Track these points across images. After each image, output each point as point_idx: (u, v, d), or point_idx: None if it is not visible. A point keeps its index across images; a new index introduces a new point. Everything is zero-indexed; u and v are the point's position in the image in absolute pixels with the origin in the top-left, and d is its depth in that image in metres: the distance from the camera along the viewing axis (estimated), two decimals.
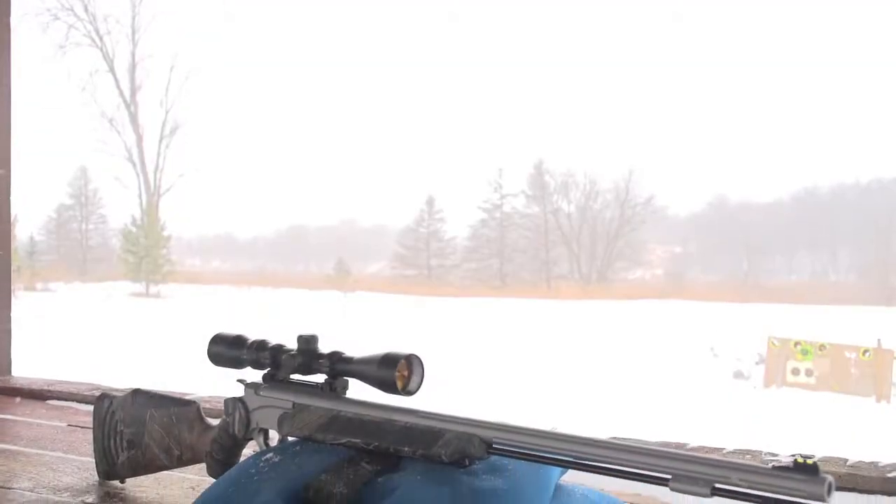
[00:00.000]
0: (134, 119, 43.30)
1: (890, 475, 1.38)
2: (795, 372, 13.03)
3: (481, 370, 13.20)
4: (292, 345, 1.17)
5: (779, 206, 47.00)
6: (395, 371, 1.05)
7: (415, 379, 1.07)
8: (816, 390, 12.51)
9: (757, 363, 15.07)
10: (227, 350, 1.21)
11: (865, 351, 12.59)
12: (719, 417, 9.38)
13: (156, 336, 16.60)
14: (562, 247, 44.84)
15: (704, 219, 48.52)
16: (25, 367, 2.46)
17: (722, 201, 49.01)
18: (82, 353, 12.58)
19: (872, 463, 1.45)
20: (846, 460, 1.46)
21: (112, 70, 41.73)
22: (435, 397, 1.19)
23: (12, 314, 2.46)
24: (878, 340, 12.66)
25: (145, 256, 34.59)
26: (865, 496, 1.38)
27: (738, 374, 14.59)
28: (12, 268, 2.50)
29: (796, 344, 13.14)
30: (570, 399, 10.42)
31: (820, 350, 12.95)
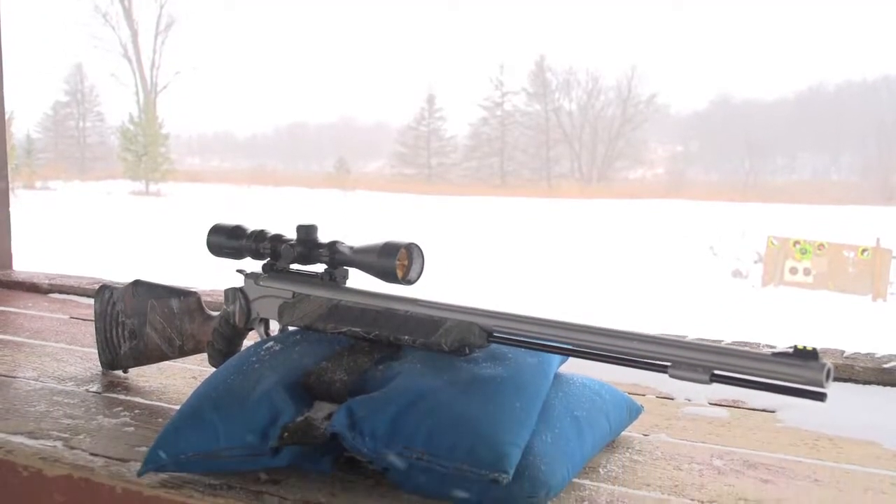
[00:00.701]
0: (128, 14, 42.55)
1: (886, 366, 1.39)
2: (793, 271, 13.08)
3: (481, 264, 13.27)
4: (292, 235, 1.16)
5: (783, 105, 46.56)
6: (395, 260, 1.04)
7: (415, 268, 1.07)
8: (814, 289, 12.59)
9: (755, 262, 15.13)
10: (226, 240, 1.20)
11: (864, 250, 12.61)
12: (717, 315, 9.47)
13: (156, 233, 16.63)
14: (563, 145, 44.58)
15: (707, 117, 48.14)
16: (26, 264, 2.46)
17: (725, 99, 48.55)
18: (83, 250, 12.62)
19: (869, 354, 1.46)
20: (843, 352, 1.47)
21: None
22: (435, 288, 1.19)
23: (11, 210, 2.45)
24: (877, 239, 12.68)
25: (144, 154, 34.40)
26: (861, 386, 1.39)
27: (737, 273, 14.66)
28: (10, 166, 2.48)
29: (795, 243, 13.15)
30: (569, 295, 10.50)
31: (819, 249, 12.98)
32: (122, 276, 1.76)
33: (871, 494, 0.97)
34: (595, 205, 31.20)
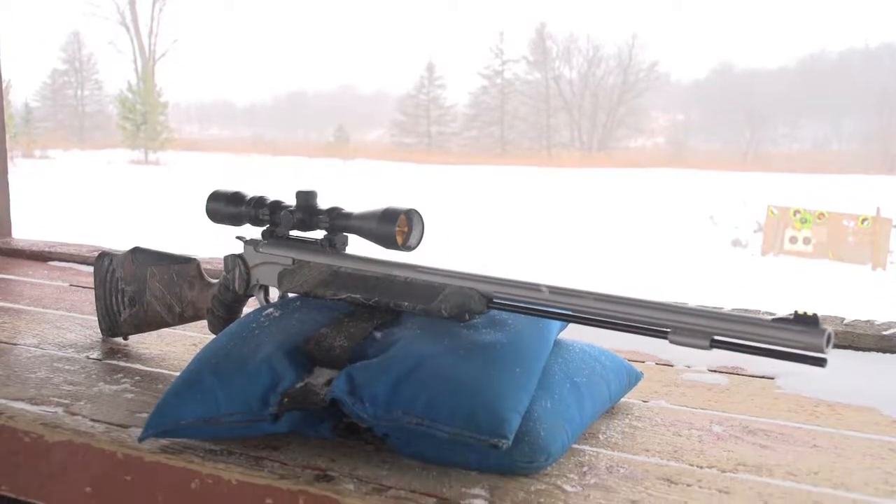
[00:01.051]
0: None
1: (885, 333, 1.40)
2: (793, 240, 13.06)
3: (481, 232, 13.26)
4: (291, 202, 1.16)
5: (784, 73, 46.35)
6: (395, 226, 1.03)
7: (415, 234, 1.06)
8: (813, 258, 12.58)
9: (755, 231, 15.12)
10: (224, 206, 1.19)
11: (864, 219, 12.58)
12: (717, 283, 9.48)
13: (156, 202, 16.61)
14: (563, 114, 44.39)
15: (708, 86, 47.94)
16: (26, 233, 2.46)
17: (726, 68, 48.35)
18: (83, 219, 12.61)
19: (868, 321, 1.46)
20: (843, 319, 1.47)
21: None
22: (435, 255, 1.19)
23: (10, 178, 2.44)
24: (877, 209, 12.65)
25: (143, 123, 34.26)
26: (861, 353, 1.40)
27: (737, 242, 14.65)
28: (9, 134, 2.47)
29: (795, 212, 13.12)
30: (569, 262, 10.50)
31: (818, 218, 12.95)
32: (121, 244, 1.76)
33: (869, 460, 0.97)
34: (595, 174, 31.11)
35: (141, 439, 0.97)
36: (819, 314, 0.82)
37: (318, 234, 1.15)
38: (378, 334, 1.02)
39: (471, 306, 0.98)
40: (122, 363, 1.30)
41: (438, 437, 0.88)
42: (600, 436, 1.03)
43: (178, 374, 1.04)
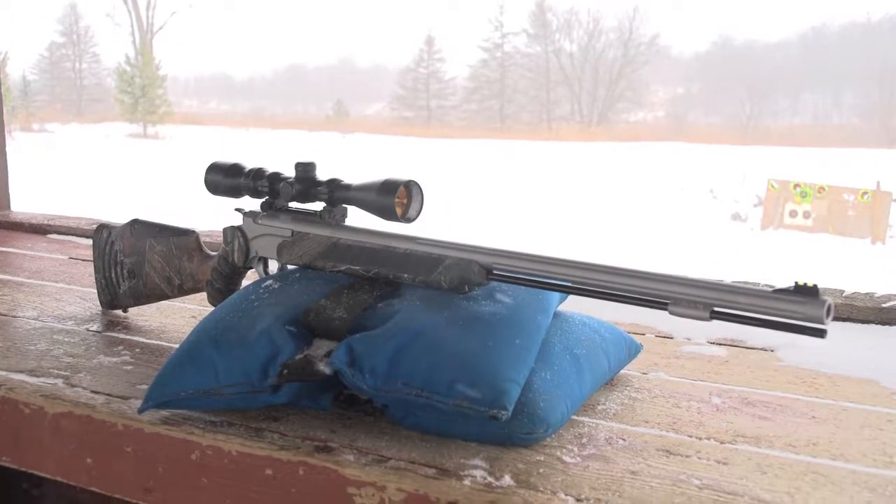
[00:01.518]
0: None
1: (885, 305, 1.40)
2: (793, 214, 13.03)
3: (481, 205, 13.23)
4: (290, 174, 1.15)
5: (785, 46, 46.12)
6: (395, 198, 1.03)
7: (414, 206, 1.06)
8: (813, 232, 12.57)
9: (755, 205, 15.09)
10: (223, 178, 1.19)
11: (864, 193, 12.56)
12: (716, 257, 9.48)
13: (155, 175, 16.56)
14: (563, 88, 44.17)
15: (709, 59, 47.70)
16: (25, 206, 2.45)
17: (727, 41, 48.09)
18: (82, 192, 12.58)
19: (868, 294, 1.46)
20: (842, 291, 1.48)
21: None
22: (434, 228, 1.18)
23: (8, 151, 2.43)
24: (878, 183, 12.62)
25: (141, 97, 34.09)
26: (860, 325, 1.40)
27: (736, 216, 14.62)
28: (7, 108, 2.46)
29: (795, 186, 13.08)
30: (569, 235, 10.49)
31: (819, 192, 12.91)
32: (120, 217, 1.75)
33: (867, 431, 0.97)
34: (595, 147, 31.00)
35: (141, 411, 0.97)
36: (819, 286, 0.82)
37: (318, 205, 1.14)
38: (378, 306, 1.02)
39: (470, 278, 0.98)
40: (121, 335, 1.30)
41: (438, 408, 0.88)
42: (599, 407, 1.03)
43: (177, 346, 1.03)
